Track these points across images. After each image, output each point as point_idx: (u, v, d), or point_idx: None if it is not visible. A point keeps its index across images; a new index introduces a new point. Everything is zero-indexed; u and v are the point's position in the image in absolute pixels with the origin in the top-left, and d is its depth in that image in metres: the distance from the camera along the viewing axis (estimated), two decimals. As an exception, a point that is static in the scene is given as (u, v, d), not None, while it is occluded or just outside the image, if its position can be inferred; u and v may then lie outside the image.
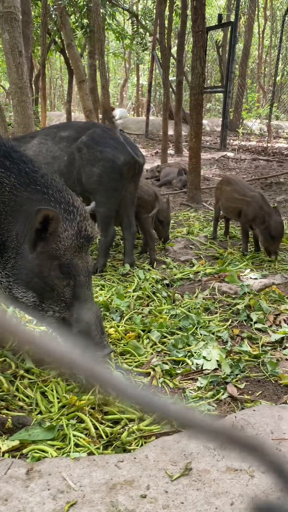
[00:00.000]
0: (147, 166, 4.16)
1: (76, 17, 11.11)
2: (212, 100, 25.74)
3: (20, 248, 1.95)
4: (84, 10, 10.78)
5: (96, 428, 1.78)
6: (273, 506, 0.28)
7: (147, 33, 14.32)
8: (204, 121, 16.40)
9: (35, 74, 14.90)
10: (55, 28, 11.25)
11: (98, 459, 1.56)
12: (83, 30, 10.90)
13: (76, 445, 1.70)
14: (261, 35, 22.95)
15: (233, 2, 16.73)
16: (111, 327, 2.56)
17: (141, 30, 14.23)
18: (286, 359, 2.36)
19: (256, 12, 20.09)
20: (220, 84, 13.66)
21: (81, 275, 1.99)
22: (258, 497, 0.29)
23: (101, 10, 10.03)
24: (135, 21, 13.89)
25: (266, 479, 1.45)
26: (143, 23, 14.41)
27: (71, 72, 11.14)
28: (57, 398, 1.95)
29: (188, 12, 9.66)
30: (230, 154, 11.13)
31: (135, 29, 14.11)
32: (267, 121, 13.75)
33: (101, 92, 9.47)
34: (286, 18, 12.10)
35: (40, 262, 1.92)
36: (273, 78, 14.37)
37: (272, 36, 23.98)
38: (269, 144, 12.81)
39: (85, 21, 10.91)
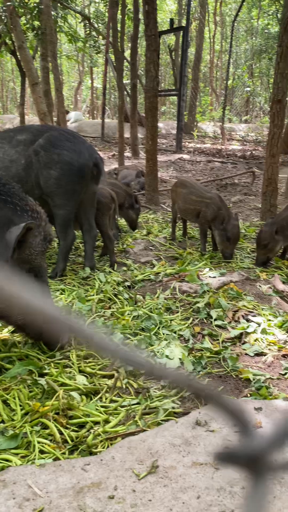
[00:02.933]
0: (104, 169, 4.16)
1: (27, 19, 10.94)
2: (167, 103, 26.10)
3: None
4: (35, 12, 10.63)
5: (61, 433, 1.76)
6: (234, 452, 0.30)
7: (100, 36, 14.31)
8: (160, 124, 16.59)
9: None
10: (5, 30, 11.02)
11: (64, 464, 1.55)
12: (35, 32, 10.75)
13: (41, 451, 1.68)
14: (212, 40, 23.54)
15: (184, 7, 17.05)
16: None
17: (93, 33, 14.20)
18: (246, 354, 2.43)
19: (207, 18, 20.58)
20: (174, 88, 13.87)
21: (44, 275, 2.23)
22: (219, 450, 0.31)
23: (52, 13, 9.93)
24: (88, 24, 13.84)
25: (230, 470, 1.49)
26: (96, 26, 14.40)
27: (24, 75, 10.93)
28: (20, 406, 1.91)
29: (140, 16, 9.76)
30: (186, 156, 11.32)
31: (88, 32, 14.06)
32: (221, 123, 14.11)
33: (55, 95, 9.37)
34: (235, 24, 12.48)
35: (12, 268, 2.08)
36: (224, 82, 14.76)
37: (222, 41, 24.66)
38: (223, 146, 13.15)
39: (36, 23, 10.75)
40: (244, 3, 13.81)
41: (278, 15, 15.87)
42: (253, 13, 22.24)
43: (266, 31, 19.72)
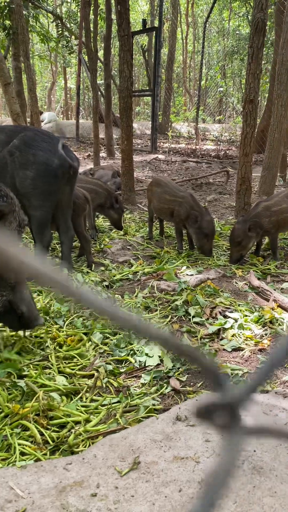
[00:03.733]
0: (80, 169, 4.14)
1: (-2, 18, 10.79)
2: (141, 103, 26.15)
3: None
4: (5, 11, 10.49)
5: (42, 434, 1.75)
6: (212, 403, 0.32)
7: (73, 36, 14.24)
8: (134, 125, 16.63)
9: None
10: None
11: (45, 464, 1.55)
12: (6, 31, 10.61)
13: (22, 453, 1.66)
14: (184, 41, 23.72)
15: (156, 8, 17.13)
16: (50, 332, 2.53)
17: (66, 33, 14.12)
18: (224, 350, 2.47)
19: (179, 19, 20.74)
20: (148, 88, 13.92)
21: None
22: (199, 405, 0.32)
23: (24, 12, 9.81)
24: (60, 24, 13.75)
25: (210, 463, 1.52)
26: (68, 26, 14.31)
27: (-5, 75, 10.76)
28: (-1, 408, 1.90)
29: (113, 16, 9.75)
30: (161, 157, 11.38)
31: (60, 32, 13.97)
32: (195, 124, 14.24)
33: (28, 95, 9.26)
34: (207, 25, 12.62)
35: None
36: (198, 82, 14.91)
37: (195, 42, 24.89)
38: (197, 146, 13.28)
39: (8, 22, 10.62)
40: (215, 5, 13.98)
41: (249, 16, 16.14)
42: (224, 14, 22.54)
43: (237, 32, 20.02)
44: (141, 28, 12.03)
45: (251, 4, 12.18)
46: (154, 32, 11.70)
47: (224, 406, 0.31)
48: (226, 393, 0.32)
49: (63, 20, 14.05)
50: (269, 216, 3.75)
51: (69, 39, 14.18)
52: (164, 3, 13.22)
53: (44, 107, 25.72)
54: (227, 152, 12.35)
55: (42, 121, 14.47)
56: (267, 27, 4.70)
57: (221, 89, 19.06)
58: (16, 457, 1.63)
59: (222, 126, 18.63)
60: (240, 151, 5.01)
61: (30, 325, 2.31)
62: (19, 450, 1.66)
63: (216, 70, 21.39)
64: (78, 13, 13.33)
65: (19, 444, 1.69)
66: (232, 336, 2.58)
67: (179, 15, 20.41)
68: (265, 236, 3.98)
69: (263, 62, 5.01)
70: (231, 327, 2.66)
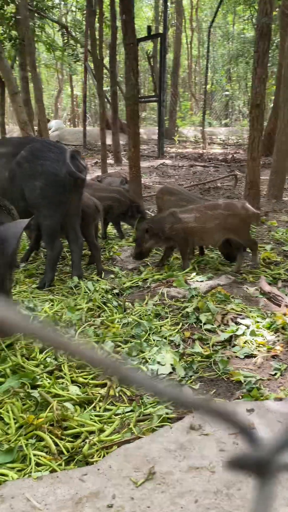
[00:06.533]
0: (87, 177, 4.17)
1: (4, 29, 10.92)
2: (147, 109, 26.24)
3: None
4: (12, 22, 10.62)
5: (56, 444, 1.76)
6: (243, 458, 0.32)
7: (78, 45, 14.36)
8: (141, 130, 16.65)
9: None
10: (-18, 40, 10.98)
11: (61, 476, 1.55)
12: (12, 42, 10.73)
13: (38, 464, 1.67)
14: (189, 46, 23.80)
15: (160, 14, 17.24)
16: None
17: (72, 41, 14.25)
18: (236, 356, 2.46)
19: (183, 24, 20.83)
20: (153, 94, 13.98)
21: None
22: (230, 457, 0.32)
23: (30, 22, 9.93)
24: (66, 33, 13.89)
25: (225, 472, 1.51)
26: (74, 34, 14.44)
27: (2, 84, 10.89)
28: (14, 419, 1.91)
29: (118, 23, 9.83)
30: (168, 162, 11.41)
31: (66, 40, 14.10)
32: (201, 128, 14.26)
33: (35, 104, 9.35)
34: (212, 30, 12.66)
35: (6, 262, 2.28)
36: (203, 86, 14.94)
37: (200, 47, 24.96)
38: (204, 151, 13.29)
39: (14, 32, 10.74)
40: (219, 9, 14.03)
41: (253, 19, 16.17)
42: (228, 18, 22.60)
43: (242, 35, 20.06)
44: (146, 35, 12.11)
45: (255, 7, 12.20)
46: (159, 38, 11.77)
47: (256, 460, 0.32)
48: (257, 447, 0.33)
49: (69, 29, 14.19)
50: (172, 223, 3.70)
51: (74, 47, 14.31)
52: (168, 9, 13.30)
53: (51, 115, 25.93)
54: (235, 155, 12.34)
55: (49, 129, 14.59)
56: (271, 31, 4.71)
57: (227, 92, 19.08)
58: (31, 468, 1.64)
59: (229, 130, 18.63)
60: (248, 155, 5.01)
61: None
62: (34, 460, 1.67)
63: (221, 74, 21.42)
64: (84, 21, 13.46)
65: (34, 455, 1.70)
66: (244, 342, 2.57)
67: (183, 20, 20.51)
68: (169, 242, 3.84)
69: (268, 64, 5.01)
70: (243, 333, 2.65)
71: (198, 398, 0.35)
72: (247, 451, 0.33)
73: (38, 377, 2.19)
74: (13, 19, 10.46)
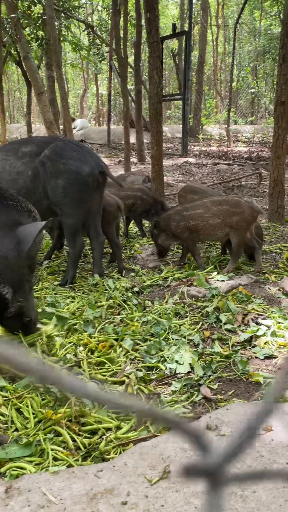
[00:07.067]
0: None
1: (31, 30, 11.09)
2: (172, 107, 26.17)
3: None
4: (39, 23, 10.77)
5: (73, 440, 1.78)
6: (195, 465, 0.32)
7: (104, 44, 14.44)
8: (165, 128, 16.66)
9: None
10: (10, 41, 11.18)
11: (77, 471, 1.57)
12: (39, 42, 10.89)
13: (55, 459, 1.70)
14: (215, 43, 23.59)
15: (186, 12, 17.14)
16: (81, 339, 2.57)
17: (97, 41, 14.35)
18: (256, 357, 2.43)
19: (209, 21, 20.65)
20: (178, 92, 13.92)
21: (35, 269, 2.49)
22: (183, 464, 0.32)
23: (56, 23, 10.05)
24: (91, 32, 13.99)
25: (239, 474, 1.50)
26: (99, 34, 14.53)
27: (29, 84, 11.08)
28: (33, 414, 1.94)
29: (143, 22, 9.83)
30: (192, 160, 11.34)
31: (91, 40, 14.21)
32: (226, 126, 14.11)
33: (60, 103, 9.47)
34: (238, 26, 12.50)
35: (23, 263, 2.30)
36: (229, 84, 14.78)
37: (226, 44, 24.69)
38: (229, 149, 13.14)
39: (41, 33, 10.90)
40: (246, 5, 13.84)
41: (281, 15, 15.88)
42: (255, 14, 22.26)
43: (269, 31, 19.73)
44: (171, 33, 12.06)
45: (283, 2, 11.97)
46: (184, 36, 11.71)
47: (206, 470, 0.32)
48: (208, 457, 0.33)
49: (94, 29, 14.29)
50: (178, 221, 3.65)
51: (100, 46, 14.40)
52: (194, 6, 13.21)
53: (77, 114, 26.19)
54: (260, 153, 12.17)
55: (74, 128, 14.74)
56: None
57: (253, 90, 18.81)
58: (49, 462, 1.67)
59: (254, 127, 18.37)
60: (272, 153, 4.93)
61: (33, 330, 2.49)
62: (52, 455, 1.70)
63: (247, 71, 21.14)
64: (109, 21, 13.53)
65: (51, 450, 1.73)
66: (265, 343, 2.53)
67: (209, 17, 20.33)
68: (177, 240, 3.82)
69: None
70: (264, 334, 2.61)
71: (143, 404, 0.35)
72: (198, 459, 0.32)
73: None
74: (40, 19, 10.61)
